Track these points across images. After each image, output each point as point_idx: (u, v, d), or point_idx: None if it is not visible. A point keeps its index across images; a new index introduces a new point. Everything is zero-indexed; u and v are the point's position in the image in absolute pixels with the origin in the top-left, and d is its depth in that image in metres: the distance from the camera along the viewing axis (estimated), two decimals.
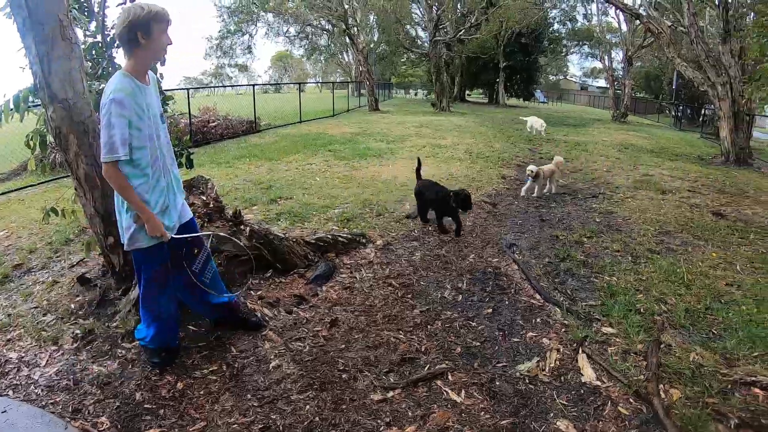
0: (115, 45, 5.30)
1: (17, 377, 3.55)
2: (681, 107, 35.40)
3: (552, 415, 3.27)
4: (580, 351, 3.96)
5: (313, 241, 5.74)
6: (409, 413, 3.24)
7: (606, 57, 40.80)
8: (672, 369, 3.74)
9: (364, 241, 6.24)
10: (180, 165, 5.14)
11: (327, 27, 40.60)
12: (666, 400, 3.37)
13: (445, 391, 3.48)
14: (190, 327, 4.14)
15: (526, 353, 3.99)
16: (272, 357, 3.82)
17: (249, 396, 3.38)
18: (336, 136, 17.54)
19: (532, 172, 8.62)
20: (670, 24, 16.75)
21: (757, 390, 3.54)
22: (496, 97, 49.22)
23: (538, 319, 4.54)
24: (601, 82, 74.08)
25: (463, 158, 13.16)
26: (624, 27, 36.86)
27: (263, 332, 4.15)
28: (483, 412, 3.27)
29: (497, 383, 3.58)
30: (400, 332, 4.23)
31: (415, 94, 68.79)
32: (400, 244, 6.34)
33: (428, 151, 14.24)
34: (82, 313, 4.38)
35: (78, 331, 4.07)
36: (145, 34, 3.09)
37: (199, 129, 16.76)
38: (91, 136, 4.00)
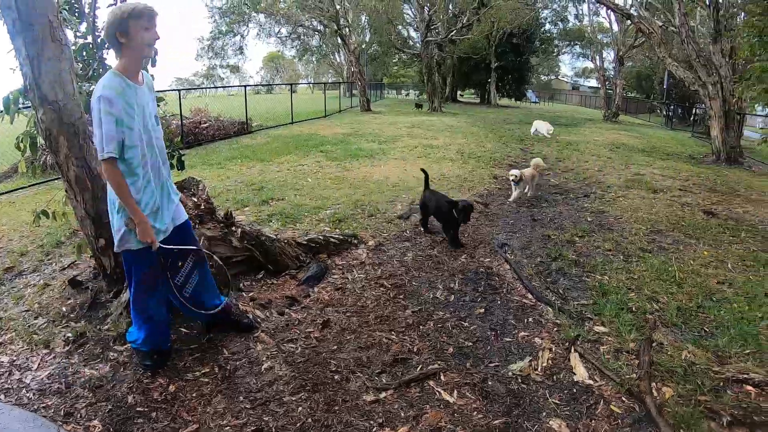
0: (106, 46, 5.29)
1: (9, 381, 3.53)
2: (672, 107, 35.55)
3: (545, 414, 3.28)
4: (573, 350, 3.97)
5: (304, 242, 5.74)
6: (402, 414, 3.24)
7: (597, 57, 40.99)
8: (664, 367, 3.75)
9: (355, 241, 6.24)
10: (171, 166, 5.12)
11: (319, 28, 40.53)
12: (658, 398, 3.38)
13: (437, 391, 3.48)
14: (182, 329, 4.13)
15: (518, 353, 4.00)
16: (264, 359, 3.81)
17: (241, 398, 3.37)
18: (328, 136, 17.53)
19: (515, 176, 8.53)
20: (661, 24, 16.82)
21: (749, 387, 3.56)
22: (487, 98, 49.28)
23: (530, 319, 4.55)
24: (593, 82, 74.27)
25: (454, 158, 13.17)
26: (615, 27, 37.07)
27: (255, 334, 4.13)
28: (475, 412, 3.28)
29: (490, 383, 3.58)
30: (393, 333, 4.23)
31: (407, 95, 68.76)
32: (392, 244, 6.34)
33: (420, 151, 14.25)
34: (73, 316, 4.36)
35: (69, 334, 4.05)
36: (123, 33, 3.08)
37: (191, 130, 16.71)
38: (81, 138, 3.98)
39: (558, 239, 6.72)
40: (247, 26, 39.00)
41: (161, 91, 12.43)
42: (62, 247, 6.05)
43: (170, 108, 13.85)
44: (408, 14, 45.93)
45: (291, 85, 33.00)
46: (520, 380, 3.63)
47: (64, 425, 3.07)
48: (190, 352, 3.87)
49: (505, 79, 50.45)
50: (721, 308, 4.77)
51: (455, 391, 3.48)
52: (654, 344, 4.00)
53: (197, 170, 10.77)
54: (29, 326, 4.24)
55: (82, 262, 5.42)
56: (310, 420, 3.15)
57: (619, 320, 4.46)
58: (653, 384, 3.51)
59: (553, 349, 4.03)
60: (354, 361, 3.80)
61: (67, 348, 3.91)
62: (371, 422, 3.15)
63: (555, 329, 4.34)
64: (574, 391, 3.53)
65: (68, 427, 3.05)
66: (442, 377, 3.64)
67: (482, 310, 4.69)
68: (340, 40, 37.62)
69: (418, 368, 3.72)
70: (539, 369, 3.77)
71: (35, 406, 3.25)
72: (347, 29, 34.10)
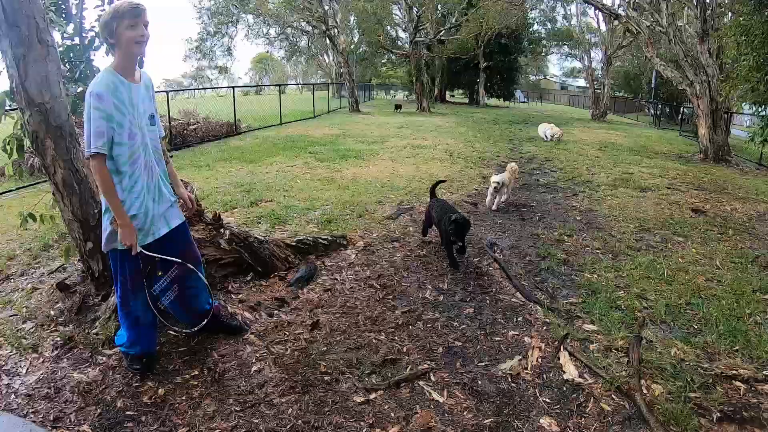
0: (93, 47, 5.27)
1: None
2: (660, 106, 35.71)
3: (535, 412, 3.29)
4: (562, 348, 3.98)
5: (293, 244, 5.73)
6: (392, 414, 3.24)
7: (585, 57, 41.03)
8: (654, 364, 3.77)
9: (344, 242, 6.23)
10: None
11: (307, 29, 40.44)
12: (648, 395, 3.41)
13: (427, 391, 3.48)
14: (171, 332, 4.11)
15: (508, 352, 4.00)
16: (254, 361, 3.80)
17: (231, 400, 3.35)
18: (317, 137, 17.52)
19: (498, 183, 8.19)
20: (648, 24, 16.90)
21: (738, 383, 3.59)
22: (476, 98, 49.33)
23: (520, 318, 4.57)
24: (581, 82, 74.42)
25: (443, 158, 13.21)
26: (603, 27, 37.12)
27: (244, 336, 4.12)
28: (466, 412, 3.28)
29: (480, 382, 3.59)
30: (382, 333, 4.23)
31: (395, 95, 68.71)
32: (380, 245, 6.34)
33: (409, 151, 14.29)
34: (62, 320, 4.33)
35: (58, 339, 4.02)
36: (110, 34, 3.12)
37: (180, 132, 16.61)
38: (68, 141, 3.96)
39: (547, 238, 6.75)
40: (236, 27, 38.87)
41: None
42: (50, 251, 6.01)
43: (158, 109, 13.75)
44: (397, 15, 45.87)
45: (280, 86, 32.93)
46: (510, 379, 3.64)
47: (54, 430, 3.05)
48: (180, 355, 3.85)
49: (493, 80, 50.48)
50: (710, 305, 4.80)
51: (445, 391, 3.48)
52: (643, 342, 4.02)
53: (186, 172, 10.71)
54: (18, 331, 4.20)
55: (70, 265, 5.38)
56: (300, 422, 3.14)
57: (608, 318, 4.48)
58: (643, 381, 3.53)
59: (543, 347, 4.04)
60: (344, 362, 3.80)
61: (55, 352, 3.89)
62: (361, 423, 3.15)
63: (544, 328, 4.35)
64: (564, 389, 3.54)
65: None
66: (432, 377, 3.64)
67: (471, 310, 4.70)
68: (328, 41, 37.56)
69: (408, 368, 3.72)
70: (529, 368, 3.78)
71: (24, 411, 3.23)
72: (336, 30, 34.09)
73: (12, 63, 3.69)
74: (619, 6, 21.35)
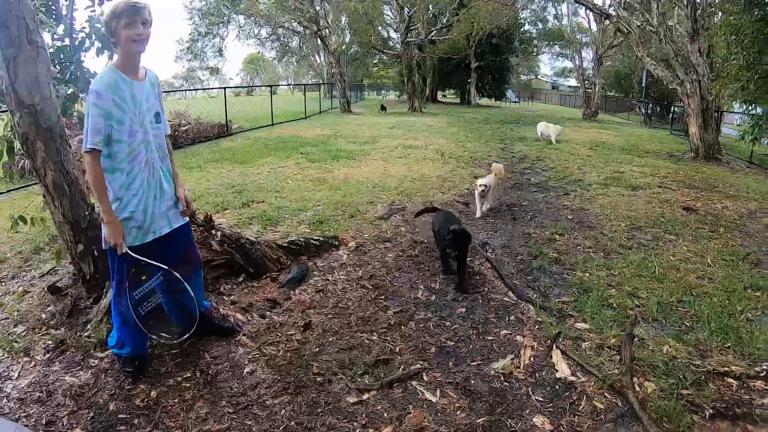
0: (83, 48, 5.25)
1: None
2: (650, 105, 35.85)
3: (528, 411, 3.29)
4: (554, 347, 3.99)
5: (285, 245, 5.72)
6: (385, 414, 3.24)
7: (576, 56, 41.12)
8: (646, 362, 3.79)
9: (336, 243, 6.23)
10: None
11: (298, 29, 40.38)
12: (641, 393, 3.42)
13: (420, 391, 3.48)
14: (163, 333, 4.09)
15: (500, 351, 4.01)
16: (246, 362, 3.79)
17: (224, 402, 3.35)
18: (308, 138, 17.50)
19: (485, 187, 7.78)
20: (639, 23, 16.97)
21: (730, 380, 3.61)
22: (467, 98, 49.38)
23: (512, 317, 4.57)
24: (572, 82, 74.62)
25: (434, 158, 13.22)
26: (594, 26, 37.27)
27: (237, 337, 4.11)
28: (459, 411, 3.28)
29: (472, 382, 3.59)
30: (374, 334, 4.23)
31: (386, 96, 68.71)
32: (372, 245, 6.34)
33: (400, 152, 14.29)
34: (53, 323, 4.31)
35: (50, 342, 4.00)
36: (110, 33, 3.17)
37: (171, 133, 16.48)
38: (58, 143, 3.94)
39: (538, 237, 6.76)
40: (227, 28, 38.78)
41: None
42: (41, 253, 5.97)
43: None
44: (388, 15, 45.86)
45: (271, 86, 32.86)
46: (502, 378, 3.64)
47: None
48: (172, 357, 3.84)
49: (485, 80, 50.48)
50: (701, 303, 4.83)
51: (438, 391, 3.49)
52: (635, 339, 4.04)
53: None
54: (9, 334, 4.18)
55: (61, 268, 5.36)
56: (293, 423, 3.14)
57: (600, 316, 4.50)
58: (635, 379, 3.55)
59: (535, 346, 4.05)
60: (336, 362, 3.79)
61: (47, 356, 3.87)
62: (354, 424, 3.15)
63: (536, 327, 4.37)
64: (557, 387, 3.55)
65: None
66: (424, 377, 3.64)
67: (463, 310, 4.70)
68: (319, 42, 37.56)
69: (401, 368, 3.72)
70: (521, 367, 3.79)
71: (17, 416, 3.21)
72: (327, 30, 34.06)
73: (2, 64, 3.67)
74: (609, 6, 21.46)
